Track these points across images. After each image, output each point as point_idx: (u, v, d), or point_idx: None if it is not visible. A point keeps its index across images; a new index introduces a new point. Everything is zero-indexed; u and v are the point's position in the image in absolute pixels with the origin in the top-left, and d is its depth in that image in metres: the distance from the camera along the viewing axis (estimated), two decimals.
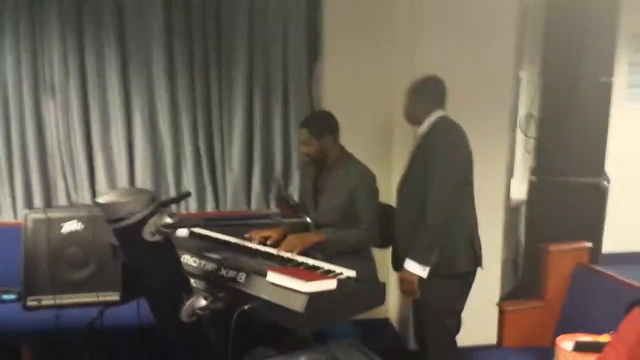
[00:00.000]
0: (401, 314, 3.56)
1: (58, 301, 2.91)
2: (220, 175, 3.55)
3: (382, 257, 2.79)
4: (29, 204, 3.42)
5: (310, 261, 2.14)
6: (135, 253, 1.70)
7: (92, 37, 3.26)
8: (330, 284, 1.67)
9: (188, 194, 2.60)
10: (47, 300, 2.92)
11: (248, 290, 1.75)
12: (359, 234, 2.51)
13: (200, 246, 2.36)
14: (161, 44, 3.29)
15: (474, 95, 3.01)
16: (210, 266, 2.00)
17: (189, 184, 3.52)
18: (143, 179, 3.48)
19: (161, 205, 2.19)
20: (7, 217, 3.37)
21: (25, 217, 2.98)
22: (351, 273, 1.91)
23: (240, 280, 1.80)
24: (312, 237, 2.41)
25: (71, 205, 3.45)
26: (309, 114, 2.83)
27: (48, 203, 3.47)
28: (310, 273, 1.83)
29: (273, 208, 3.61)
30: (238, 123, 3.46)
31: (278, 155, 3.56)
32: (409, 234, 2.44)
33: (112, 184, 3.48)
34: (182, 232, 2.79)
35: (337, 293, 1.66)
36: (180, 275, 1.84)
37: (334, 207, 2.55)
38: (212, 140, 3.50)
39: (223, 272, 1.92)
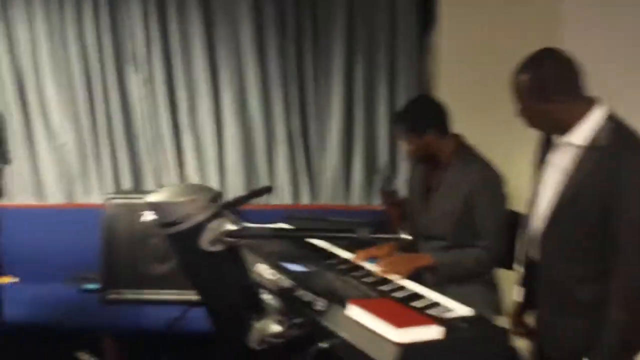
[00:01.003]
0: None
1: (138, 296, 2.80)
2: (316, 163, 3.25)
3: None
4: (117, 185, 3.38)
5: (413, 286, 1.75)
6: (191, 264, 1.47)
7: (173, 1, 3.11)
8: (433, 332, 1.26)
9: (267, 190, 2.29)
10: (127, 295, 2.82)
11: (327, 324, 1.40)
12: (479, 256, 2.08)
13: (284, 251, 2.07)
14: (249, 9, 3.06)
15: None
16: (286, 282, 1.70)
17: (282, 171, 3.28)
18: (233, 162, 3.30)
19: (232, 205, 1.93)
20: (95, 198, 3.32)
21: (106, 201, 2.90)
22: (466, 311, 1.48)
23: (319, 309, 1.46)
24: (420, 261, 2.05)
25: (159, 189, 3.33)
26: (405, 104, 2.39)
27: (136, 185, 3.40)
28: (407, 312, 1.42)
29: (376, 204, 3.24)
30: (336, 103, 3.14)
31: (382, 140, 3.18)
32: (566, 309, 1.73)
33: (200, 167, 3.34)
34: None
35: (443, 344, 1.25)
36: (249, 292, 1.55)
37: (445, 213, 2.14)
38: (307, 122, 3.21)
39: (300, 293, 1.59)
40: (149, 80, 3.22)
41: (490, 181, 2.08)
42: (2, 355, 2.56)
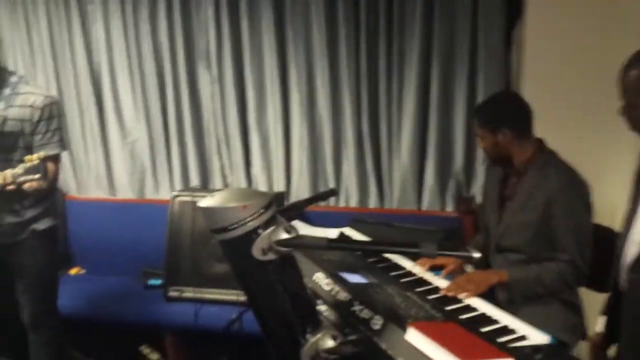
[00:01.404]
0: None
1: (199, 295, 2.84)
2: (386, 166, 3.14)
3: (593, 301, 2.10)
4: (185, 182, 3.44)
5: (483, 306, 1.63)
6: (242, 271, 1.39)
7: None
8: None
9: (333, 193, 2.21)
10: (188, 293, 2.87)
11: (383, 345, 1.32)
12: (560, 271, 1.92)
13: (344, 259, 2.00)
14: (321, 7, 2.98)
15: None
16: (343, 295, 1.62)
17: (349, 174, 3.20)
18: (299, 164, 3.26)
19: (288, 211, 1.89)
20: (164, 195, 3.40)
21: (172, 198, 2.96)
22: (542, 339, 1.35)
23: (375, 327, 1.39)
24: (492, 278, 1.94)
25: (224, 188, 3.36)
26: (487, 97, 2.21)
27: (204, 183, 3.45)
28: (474, 340, 1.32)
29: (450, 210, 3.09)
30: (410, 103, 3.00)
31: (459, 143, 3.01)
32: None
33: (267, 167, 3.33)
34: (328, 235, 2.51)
35: None
36: (304, 303, 1.49)
37: (521, 223, 2.01)
38: (378, 123, 3.10)
39: (356, 307, 1.52)
40: (219, 79, 3.24)
41: (571, 188, 1.92)
42: (66, 346, 2.66)
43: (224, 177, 3.40)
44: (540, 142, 2.05)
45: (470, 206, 2.93)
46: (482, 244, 2.28)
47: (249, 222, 1.22)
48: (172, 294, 2.88)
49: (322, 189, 3.26)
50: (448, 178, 3.07)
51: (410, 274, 2.00)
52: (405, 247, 1.45)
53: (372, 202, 3.19)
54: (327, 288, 1.72)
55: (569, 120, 2.58)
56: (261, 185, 3.33)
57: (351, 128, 3.10)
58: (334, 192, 2.18)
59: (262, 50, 3.15)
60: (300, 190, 3.27)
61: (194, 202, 2.92)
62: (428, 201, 3.09)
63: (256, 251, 1.23)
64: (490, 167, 2.31)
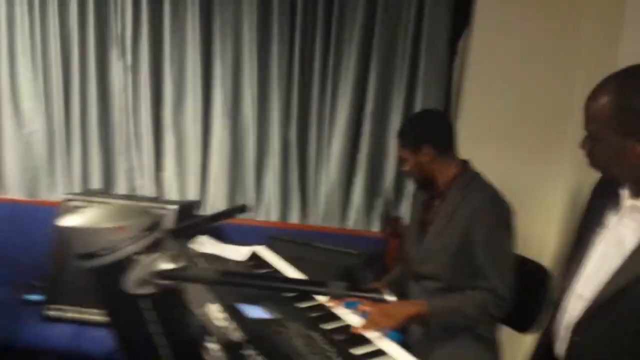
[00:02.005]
0: None
1: (81, 315, 2.53)
2: (312, 179, 2.98)
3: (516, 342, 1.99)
4: (85, 184, 3.12)
5: (394, 350, 1.49)
6: (113, 307, 1.17)
7: None
8: None
9: (243, 209, 1.99)
10: (70, 313, 2.56)
11: None
12: (480, 300, 1.82)
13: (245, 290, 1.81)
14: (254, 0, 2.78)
15: None
16: (236, 334, 1.42)
17: (271, 185, 3.01)
18: (217, 171, 3.03)
19: (179, 232, 1.66)
20: (59, 196, 3.04)
21: (62, 201, 2.64)
22: None
23: None
24: (410, 309, 1.82)
25: (128, 193, 3.07)
26: (407, 117, 2.13)
27: (107, 186, 3.14)
28: None
29: (375, 229, 2.95)
30: (343, 112, 2.85)
31: (391, 159, 2.89)
32: None
33: (181, 172, 3.07)
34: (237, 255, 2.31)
35: None
36: (187, 347, 1.27)
37: (440, 248, 1.91)
38: (307, 132, 2.93)
39: (247, 352, 1.33)
40: (133, 69, 2.95)
41: (492, 209, 1.83)
42: None
43: (130, 180, 3.10)
44: (464, 163, 1.98)
45: (397, 228, 2.80)
46: (402, 273, 2.16)
47: (124, 247, 1.02)
48: (51, 313, 2.56)
49: (240, 199, 3.05)
50: (377, 196, 2.94)
51: (321, 306, 1.81)
52: (311, 286, 1.30)
53: (294, 217, 3.00)
54: (219, 324, 1.52)
55: (505, 141, 2.51)
56: (172, 192, 3.07)
57: (277, 135, 2.90)
58: (244, 209, 1.95)
59: (185, 41, 2.90)
60: (216, 200, 3.03)
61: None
62: (354, 219, 2.94)
63: (130, 283, 1.03)
64: (416, 192, 2.20)
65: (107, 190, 3.12)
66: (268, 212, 3.04)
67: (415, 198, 2.22)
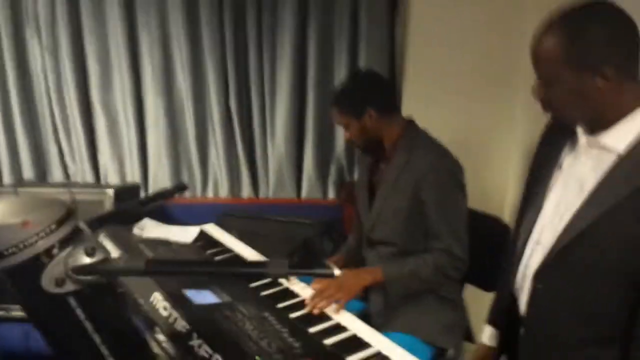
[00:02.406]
0: None
1: None
2: (260, 150, 2.85)
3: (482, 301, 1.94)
4: (17, 174, 2.94)
5: (353, 324, 1.42)
6: (36, 309, 1.06)
7: None
8: None
9: (180, 188, 1.88)
10: (16, 311, 2.42)
11: None
12: (435, 261, 1.79)
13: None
14: None
15: None
16: (180, 324, 1.31)
17: (217, 159, 2.88)
18: (156, 149, 2.89)
19: (98, 222, 1.55)
20: None
21: None
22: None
23: None
24: (366, 278, 1.78)
25: (65, 181, 2.90)
26: (341, 81, 2.01)
27: (41, 175, 2.96)
28: None
29: (331, 198, 2.86)
30: (284, 79, 2.70)
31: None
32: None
33: (118, 154, 2.91)
34: (184, 237, 2.19)
35: None
36: (127, 341, 1.17)
37: (390, 212, 1.87)
38: (249, 100, 2.78)
39: (194, 342, 1.23)
40: (53, 49, 2.75)
41: (441, 168, 1.77)
42: None
43: (64, 167, 2.93)
44: (409, 123, 1.92)
45: (352, 193, 2.70)
46: (357, 239, 2.09)
47: (33, 244, 0.91)
48: None
49: (185, 176, 2.92)
50: (329, 163, 2.84)
51: (276, 283, 1.72)
52: (249, 268, 1.21)
53: (245, 192, 2.88)
54: (164, 313, 1.43)
55: (454, 96, 2.42)
56: (111, 176, 2.92)
57: (217, 107, 2.76)
58: (182, 187, 1.85)
59: (105, 14, 2.71)
60: (159, 181, 2.90)
61: None
62: (307, 189, 2.84)
63: (47, 282, 0.93)
64: (361, 155, 2.13)
65: (42, 179, 2.96)
66: (217, 188, 2.92)
67: (361, 162, 2.16)
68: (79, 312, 0.96)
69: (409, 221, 1.82)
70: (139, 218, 2.33)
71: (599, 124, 1.18)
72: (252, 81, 2.72)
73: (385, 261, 1.87)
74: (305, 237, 2.49)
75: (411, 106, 2.41)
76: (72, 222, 0.95)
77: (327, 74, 2.70)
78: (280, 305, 1.58)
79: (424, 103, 2.26)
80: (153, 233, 2.30)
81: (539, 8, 2.15)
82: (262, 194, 2.90)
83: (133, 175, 2.91)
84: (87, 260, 0.93)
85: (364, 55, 2.62)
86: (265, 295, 1.65)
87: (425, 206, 1.78)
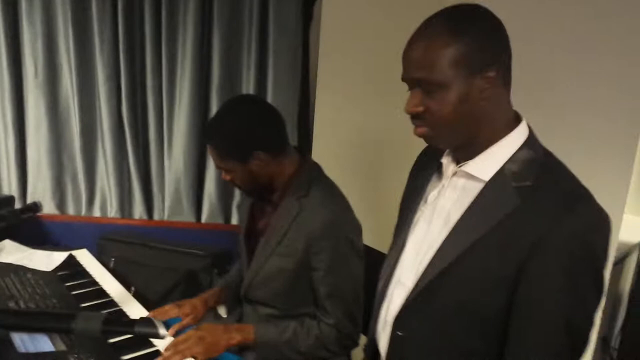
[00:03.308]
0: None
1: None
2: (155, 166, 2.63)
3: None
4: None
5: None
6: None
7: None
8: None
9: (32, 209, 1.63)
10: None
11: None
12: (319, 334, 1.60)
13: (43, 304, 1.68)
14: None
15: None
16: None
17: (105, 173, 2.64)
18: (36, 158, 2.64)
19: None
20: None
21: None
22: None
23: None
24: (233, 337, 1.60)
25: None
26: (217, 113, 1.72)
27: None
28: None
29: (236, 222, 2.64)
30: (184, 86, 2.49)
31: None
32: None
33: None
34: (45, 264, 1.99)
35: None
36: None
37: (273, 271, 1.64)
38: (145, 106, 2.56)
39: None
40: None
41: (337, 234, 1.57)
42: None
43: None
44: (302, 159, 1.69)
45: None
46: (237, 280, 1.89)
47: None
48: None
49: (70, 191, 2.67)
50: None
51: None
52: (54, 322, 1.01)
53: (137, 212, 2.64)
54: None
55: (370, 98, 2.26)
56: None
57: (107, 112, 2.52)
58: (34, 208, 1.60)
59: None
60: (38, 192, 2.65)
61: None
62: (208, 212, 2.62)
63: None
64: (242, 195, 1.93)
65: None
66: (104, 206, 2.67)
67: (242, 201, 1.95)
68: None
69: (295, 284, 1.62)
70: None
71: (470, 147, 1.11)
72: (147, 87, 2.50)
73: (263, 319, 1.68)
74: (189, 269, 2.29)
75: (321, 116, 2.29)
76: None
77: (233, 85, 2.51)
78: (126, 357, 1.45)
79: (335, 111, 2.10)
80: (9, 258, 2.09)
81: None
82: (156, 215, 2.67)
83: (10, 186, 2.63)
84: None
85: (272, 64, 2.44)
86: (114, 343, 1.49)
87: (314, 273, 1.58)
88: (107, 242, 2.44)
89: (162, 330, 1.01)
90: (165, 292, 2.19)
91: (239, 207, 2.61)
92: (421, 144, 2.09)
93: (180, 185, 2.59)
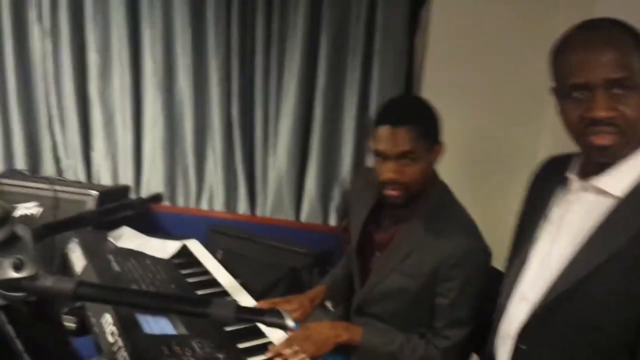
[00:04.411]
0: None
1: None
2: (260, 164, 2.83)
3: None
4: (9, 163, 3.03)
5: None
6: None
7: None
8: None
9: (156, 199, 1.82)
10: None
11: None
12: (425, 354, 1.62)
13: (166, 288, 1.82)
14: None
15: None
16: (121, 356, 1.34)
17: (214, 168, 2.88)
18: (152, 151, 2.91)
19: (45, 233, 1.53)
20: None
21: None
22: None
23: None
24: (340, 336, 1.66)
25: (56, 175, 2.96)
26: (401, 98, 1.74)
27: (33, 166, 3.02)
28: None
29: (334, 223, 2.79)
30: (291, 87, 2.67)
31: (348, 142, 2.71)
32: None
33: (112, 151, 2.95)
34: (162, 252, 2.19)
35: None
36: None
37: (394, 289, 1.66)
38: (252, 111, 2.77)
39: None
40: (53, 33, 2.82)
41: (474, 261, 1.57)
42: None
43: (56, 160, 2.98)
44: (439, 180, 1.71)
45: None
46: (343, 279, 2.00)
47: None
48: None
49: (180, 185, 2.92)
50: (332, 185, 2.78)
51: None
52: (191, 306, 1.15)
53: (242, 208, 2.86)
54: (110, 339, 1.41)
55: (476, 113, 2.33)
56: (103, 175, 2.96)
57: (218, 111, 2.75)
58: (158, 198, 1.80)
59: (108, 2, 2.75)
60: (152, 184, 2.92)
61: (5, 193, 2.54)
62: (307, 212, 2.80)
63: None
64: (358, 181, 1.99)
65: (34, 171, 3.02)
66: (212, 200, 2.92)
67: (356, 201, 1.89)
68: (9, 328, 0.97)
69: (415, 306, 1.64)
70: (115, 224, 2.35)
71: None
72: (256, 88, 2.71)
73: (373, 327, 1.73)
74: (293, 267, 2.45)
75: None
76: (6, 229, 0.93)
77: (337, 87, 2.66)
78: (242, 345, 1.56)
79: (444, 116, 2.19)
80: (129, 243, 2.29)
81: (568, 15, 2.09)
82: (259, 212, 2.88)
83: (126, 176, 2.94)
84: (12, 274, 0.91)
85: (378, 69, 2.56)
86: (230, 331, 1.62)
87: (438, 298, 1.60)
88: (216, 234, 2.65)
89: (289, 322, 1.12)
90: (268, 286, 2.34)
91: (337, 210, 2.78)
92: (534, 153, 2.14)
93: (282, 184, 2.78)
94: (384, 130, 1.52)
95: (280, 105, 2.71)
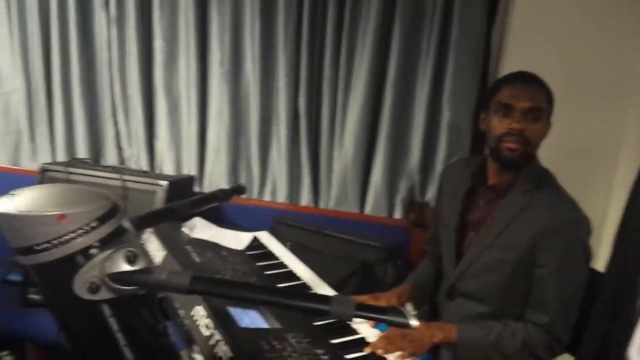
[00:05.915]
0: None
1: None
2: (325, 155, 2.92)
3: None
4: (71, 152, 3.15)
5: None
6: (64, 311, 1.08)
7: None
8: None
9: (239, 191, 1.92)
10: None
11: None
12: (527, 337, 1.67)
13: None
14: None
15: None
16: (222, 349, 1.39)
17: (278, 160, 2.98)
18: (216, 141, 3.02)
19: (143, 223, 1.63)
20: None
21: (40, 171, 2.67)
22: None
23: None
24: (435, 335, 1.71)
25: (118, 164, 3.08)
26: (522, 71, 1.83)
27: (95, 155, 3.17)
28: None
29: (399, 216, 2.88)
30: (360, 78, 2.75)
31: (417, 134, 2.78)
32: None
33: (176, 141, 3.07)
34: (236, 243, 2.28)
35: None
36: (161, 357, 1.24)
37: (491, 263, 1.74)
38: (320, 100, 2.86)
39: None
40: (118, 20, 2.93)
41: (573, 231, 1.63)
42: None
43: (119, 150, 3.12)
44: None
45: (423, 216, 2.74)
46: (428, 279, 2.08)
47: (69, 241, 0.90)
48: (33, 296, 2.59)
49: (243, 175, 3.03)
50: (399, 178, 2.86)
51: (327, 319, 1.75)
52: (309, 302, 1.18)
53: (304, 200, 2.97)
54: (205, 332, 1.47)
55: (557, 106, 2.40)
56: (167, 165, 3.08)
57: (284, 102, 2.85)
58: (241, 190, 1.89)
59: None
60: (215, 175, 3.03)
61: (69, 181, 2.65)
62: (372, 205, 2.88)
63: (80, 287, 0.93)
64: (451, 169, 2.05)
65: (96, 159, 3.16)
66: (274, 191, 3.02)
67: (448, 178, 2.00)
68: (112, 322, 0.98)
69: (512, 280, 1.70)
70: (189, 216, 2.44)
71: None
72: (324, 78, 2.80)
73: (466, 320, 1.78)
74: (365, 260, 2.48)
75: None
76: (116, 220, 0.95)
77: (408, 77, 2.73)
78: (335, 340, 1.59)
79: None
80: (203, 234, 2.35)
81: None
82: (322, 204, 2.98)
83: (189, 166, 3.06)
84: (126, 267, 0.93)
85: (453, 58, 2.63)
86: (318, 326, 1.65)
87: (539, 270, 1.66)
88: (280, 226, 2.73)
89: (413, 321, 1.18)
90: (340, 280, 2.38)
91: (404, 203, 2.86)
92: (616, 150, 2.19)
93: (347, 176, 2.86)
94: (514, 86, 1.69)
95: (349, 96, 2.79)
